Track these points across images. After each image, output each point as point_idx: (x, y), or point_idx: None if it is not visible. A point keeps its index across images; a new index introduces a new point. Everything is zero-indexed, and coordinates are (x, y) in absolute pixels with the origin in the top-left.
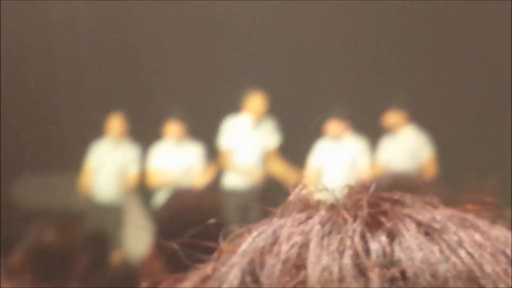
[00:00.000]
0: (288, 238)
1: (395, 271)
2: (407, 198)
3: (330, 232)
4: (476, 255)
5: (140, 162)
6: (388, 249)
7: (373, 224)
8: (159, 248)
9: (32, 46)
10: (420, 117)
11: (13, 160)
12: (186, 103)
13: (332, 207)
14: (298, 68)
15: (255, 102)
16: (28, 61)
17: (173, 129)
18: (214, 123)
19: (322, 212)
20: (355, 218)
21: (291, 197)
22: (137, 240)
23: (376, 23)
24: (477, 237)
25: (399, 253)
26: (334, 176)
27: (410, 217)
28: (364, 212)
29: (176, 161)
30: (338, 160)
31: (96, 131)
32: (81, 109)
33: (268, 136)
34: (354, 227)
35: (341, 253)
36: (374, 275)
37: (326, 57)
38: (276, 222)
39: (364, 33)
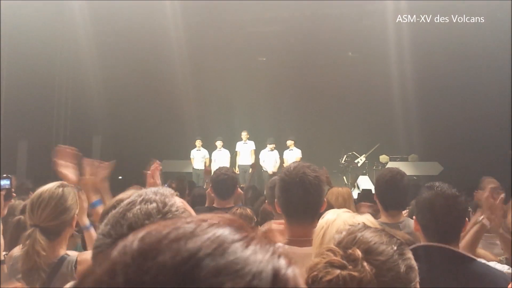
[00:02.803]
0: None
1: None
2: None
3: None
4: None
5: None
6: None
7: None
8: None
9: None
10: (300, 141)
11: (157, 152)
12: (224, 133)
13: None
14: (259, 126)
15: (244, 134)
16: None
17: (219, 143)
18: (234, 142)
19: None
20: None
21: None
22: None
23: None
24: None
25: None
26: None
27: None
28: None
29: (220, 158)
30: (271, 161)
31: (193, 144)
32: (186, 134)
33: (251, 147)
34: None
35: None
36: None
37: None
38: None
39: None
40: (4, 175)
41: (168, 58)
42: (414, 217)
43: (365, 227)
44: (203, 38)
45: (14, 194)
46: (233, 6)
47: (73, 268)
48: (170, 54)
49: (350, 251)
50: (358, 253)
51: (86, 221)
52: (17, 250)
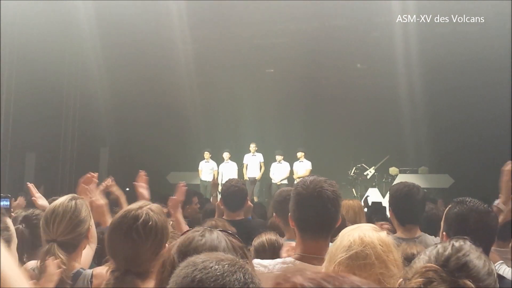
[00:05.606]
0: None
1: None
2: None
3: None
4: None
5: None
6: None
7: None
8: None
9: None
10: (308, 153)
11: (164, 164)
12: (232, 145)
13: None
14: (267, 138)
15: (253, 146)
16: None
17: (226, 155)
18: (241, 154)
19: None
20: None
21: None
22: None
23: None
24: None
25: None
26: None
27: None
28: None
29: (227, 170)
30: (281, 172)
31: (201, 156)
32: (193, 146)
33: (259, 159)
34: None
35: None
36: None
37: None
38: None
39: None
40: (3, 195)
41: (176, 70)
42: (444, 233)
43: (468, 246)
44: (211, 50)
45: (12, 214)
46: (240, 18)
47: (89, 282)
48: (178, 66)
49: (461, 283)
50: (471, 286)
51: None
52: (32, 263)
